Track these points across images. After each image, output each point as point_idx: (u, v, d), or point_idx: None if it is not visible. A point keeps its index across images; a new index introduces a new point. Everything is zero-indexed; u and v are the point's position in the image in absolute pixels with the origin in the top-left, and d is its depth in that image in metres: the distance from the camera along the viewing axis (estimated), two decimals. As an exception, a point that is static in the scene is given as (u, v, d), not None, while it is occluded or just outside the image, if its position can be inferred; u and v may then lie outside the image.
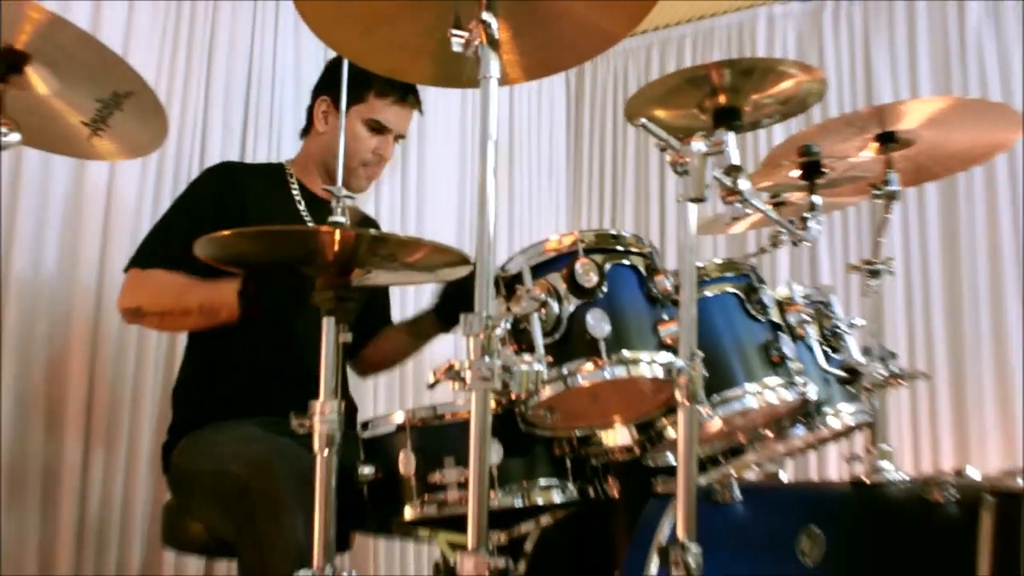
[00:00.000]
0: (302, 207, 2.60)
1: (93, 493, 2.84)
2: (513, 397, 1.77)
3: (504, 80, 1.58)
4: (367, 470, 1.99)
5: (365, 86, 2.55)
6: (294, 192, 2.62)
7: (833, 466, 3.99)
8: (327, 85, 2.66)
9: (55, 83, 1.67)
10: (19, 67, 1.61)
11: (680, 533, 1.54)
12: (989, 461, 3.67)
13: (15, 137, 1.62)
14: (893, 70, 4.10)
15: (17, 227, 2.72)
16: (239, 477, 2.07)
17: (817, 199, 2.08)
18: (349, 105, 2.54)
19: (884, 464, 2.08)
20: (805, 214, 2.04)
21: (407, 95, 2.63)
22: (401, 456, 1.94)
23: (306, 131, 2.74)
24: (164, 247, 2.42)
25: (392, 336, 2.83)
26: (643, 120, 1.59)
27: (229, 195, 2.47)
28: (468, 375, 1.37)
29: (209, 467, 2.23)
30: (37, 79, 1.65)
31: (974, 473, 1.98)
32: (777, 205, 2.32)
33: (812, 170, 2.09)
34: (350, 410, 2.24)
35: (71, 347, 2.81)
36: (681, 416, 1.56)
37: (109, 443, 2.90)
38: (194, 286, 2.32)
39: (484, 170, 1.45)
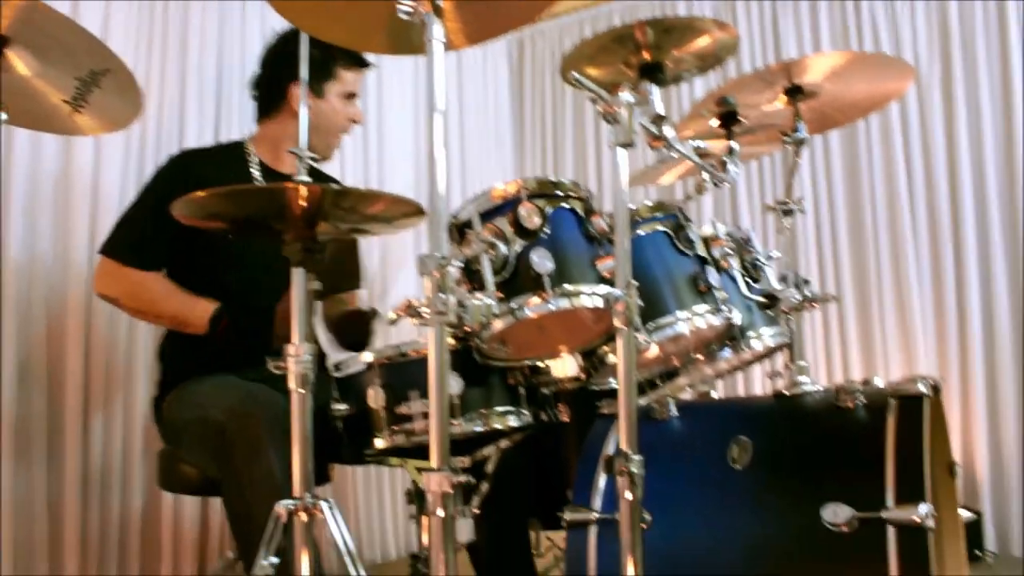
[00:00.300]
0: (258, 177, 2.54)
1: (95, 446, 2.81)
2: (468, 330, 1.75)
3: (449, 45, 1.54)
4: (341, 407, 1.97)
5: (332, 63, 2.50)
6: (252, 168, 2.54)
7: (758, 385, 4.04)
8: (295, 72, 2.55)
9: (36, 64, 1.61)
10: (0, 50, 1.55)
11: (623, 444, 1.53)
12: (892, 372, 3.74)
13: (2, 116, 1.57)
14: (798, 29, 4.11)
15: (11, 209, 2.66)
16: (217, 422, 2.05)
17: (735, 145, 2.07)
18: (323, 84, 2.50)
19: (802, 378, 2.10)
20: (724, 158, 2.02)
21: (366, 62, 2.60)
22: (370, 392, 1.93)
23: (267, 113, 2.63)
24: (138, 245, 2.38)
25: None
26: (575, 73, 1.56)
27: (192, 181, 2.38)
28: (426, 311, 1.35)
29: (193, 415, 2.20)
30: (18, 61, 1.60)
31: (879, 382, 2.00)
32: (701, 156, 2.32)
33: (729, 119, 2.09)
34: (319, 355, 2.21)
35: (67, 317, 2.76)
36: (620, 340, 1.55)
37: (107, 400, 2.86)
38: (171, 297, 2.33)
39: (431, 120, 1.42)
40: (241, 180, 2.48)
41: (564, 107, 4.92)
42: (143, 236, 2.36)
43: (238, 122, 3.37)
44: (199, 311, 2.27)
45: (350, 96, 2.56)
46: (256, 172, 2.52)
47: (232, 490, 2.01)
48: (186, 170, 2.43)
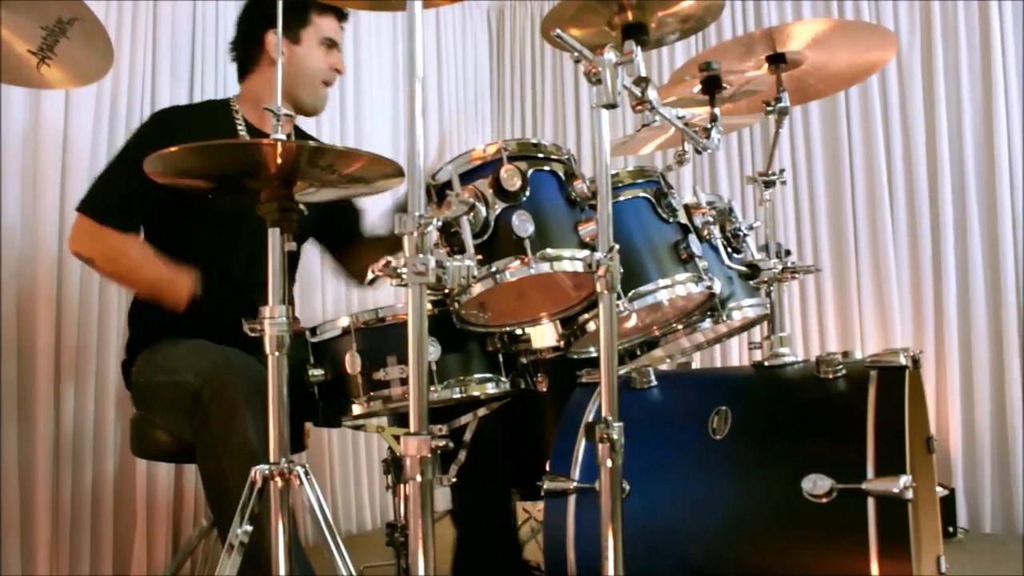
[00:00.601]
0: (244, 135, 2.48)
1: (66, 412, 2.78)
2: (446, 292, 1.72)
3: (428, 2, 1.50)
4: (317, 371, 1.93)
5: (305, 9, 2.45)
6: (239, 126, 2.49)
7: (735, 355, 4.04)
8: (268, 20, 2.49)
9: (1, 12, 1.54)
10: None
11: (604, 411, 1.50)
12: (868, 344, 3.75)
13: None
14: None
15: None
16: (192, 385, 2.00)
17: (717, 111, 2.04)
18: (298, 31, 2.45)
19: (782, 349, 2.09)
20: (707, 124, 1.99)
21: (342, 12, 2.54)
22: (347, 357, 1.89)
23: (248, 68, 2.56)
24: (118, 205, 2.29)
25: (374, 247, 2.69)
26: (558, 31, 1.52)
27: (175, 138, 2.32)
28: (404, 271, 1.32)
29: (165, 379, 2.15)
30: (-17, 9, 1.53)
31: (858, 354, 1.99)
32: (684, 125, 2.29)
33: (712, 84, 2.05)
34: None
35: (37, 280, 2.71)
36: (601, 305, 1.52)
37: (79, 366, 2.82)
38: (149, 264, 2.24)
39: (412, 80, 1.38)
40: (226, 134, 2.42)
41: (543, 72, 4.90)
42: (123, 195, 2.28)
43: (213, 79, 3.34)
44: (177, 286, 2.19)
45: (329, 44, 2.50)
46: (243, 131, 2.46)
47: (208, 456, 1.97)
48: (170, 127, 2.35)
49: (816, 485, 1.66)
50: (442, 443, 1.33)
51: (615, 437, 1.49)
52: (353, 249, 2.70)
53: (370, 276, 1.35)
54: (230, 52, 2.60)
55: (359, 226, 2.73)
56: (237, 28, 2.57)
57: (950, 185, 3.66)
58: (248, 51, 2.53)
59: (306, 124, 2.99)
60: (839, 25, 2.38)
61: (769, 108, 2.23)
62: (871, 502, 1.61)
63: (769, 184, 2.31)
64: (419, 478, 1.32)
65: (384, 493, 4.03)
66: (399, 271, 1.32)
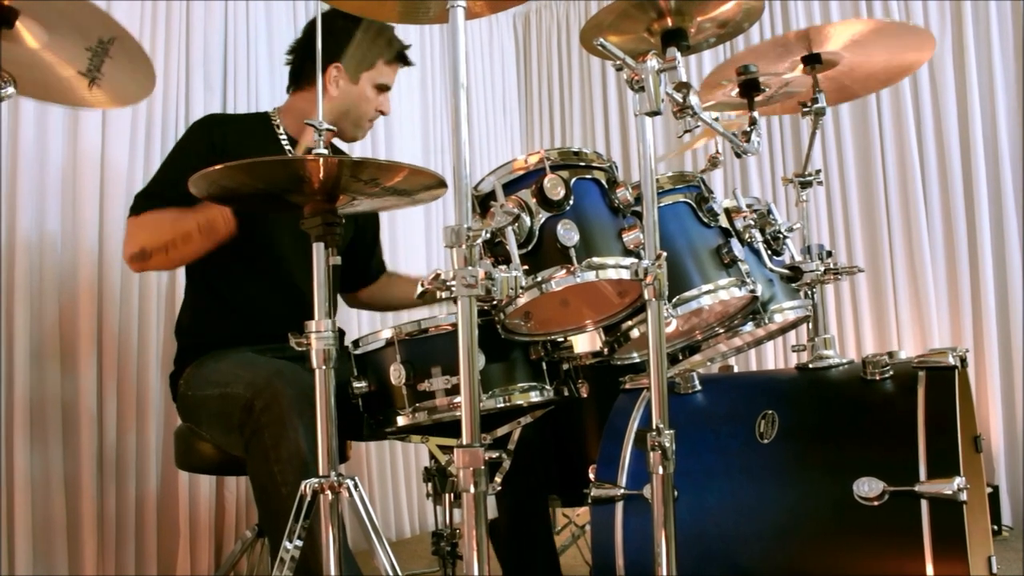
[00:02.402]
0: (288, 148, 2.49)
1: (109, 425, 2.80)
2: (492, 304, 1.71)
3: (468, 12, 1.49)
4: (360, 384, 1.93)
5: (375, 56, 2.48)
6: (281, 138, 2.50)
7: (771, 357, 4.01)
8: (336, 52, 2.46)
9: (44, 35, 1.56)
10: (10, 21, 1.50)
11: (655, 418, 1.49)
12: (906, 345, 3.71)
13: (10, 90, 1.53)
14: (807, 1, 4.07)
15: (19, 188, 2.62)
16: (242, 397, 2.00)
17: (756, 114, 2.02)
18: (360, 73, 2.47)
19: (827, 351, 2.06)
20: (747, 128, 1.97)
21: (407, 60, 2.57)
22: (391, 369, 1.88)
23: (299, 85, 2.56)
24: (158, 193, 2.29)
25: (401, 283, 2.79)
26: (601, 40, 1.51)
27: (218, 142, 2.34)
28: (454, 284, 1.31)
29: (214, 392, 2.15)
30: (27, 33, 1.55)
31: (903, 354, 1.97)
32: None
33: (751, 87, 2.03)
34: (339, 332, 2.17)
35: (79, 296, 2.74)
36: (650, 311, 1.51)
37: (121, 379, 2.84)
38: (187, 212, 2.20)
39: (456, 88, 1.37)
40: (268, 148, 2.43)
41: (571, 79, 4.89)
42: (162, 184, 2.29)
43: (245, 92, 3.35)
44: (219, 213, 2.17)
45: (383, 88, 2.53)
46: (285, 143, 2.47)
47: (260, 466, 1.96)
48: (211, 134, 2.37)
49: (868, 488, 1.64)
50: (495, 454, 1.32)
51: (667, 444, 1.47)
52: (375, 281, 2.78)
53: (419, 289, 1.35)
54: (288, 55, 2.59)
55: (378, 256, 2.79)
56: (305, 36, 2.57)
57: (985, 181, 3.61)
58: (307, 69, 2.52)
59: (338, 140, 2.99)
60: (877, 26, 2.35)
61: (806, 109, 2.21)
62: (924, 504, 1.59)
63: (806, 185, 2.29)
64: (472, 489, 1.31)
65: (423, 501, 4.03)
66: (448, 284, 1.31)
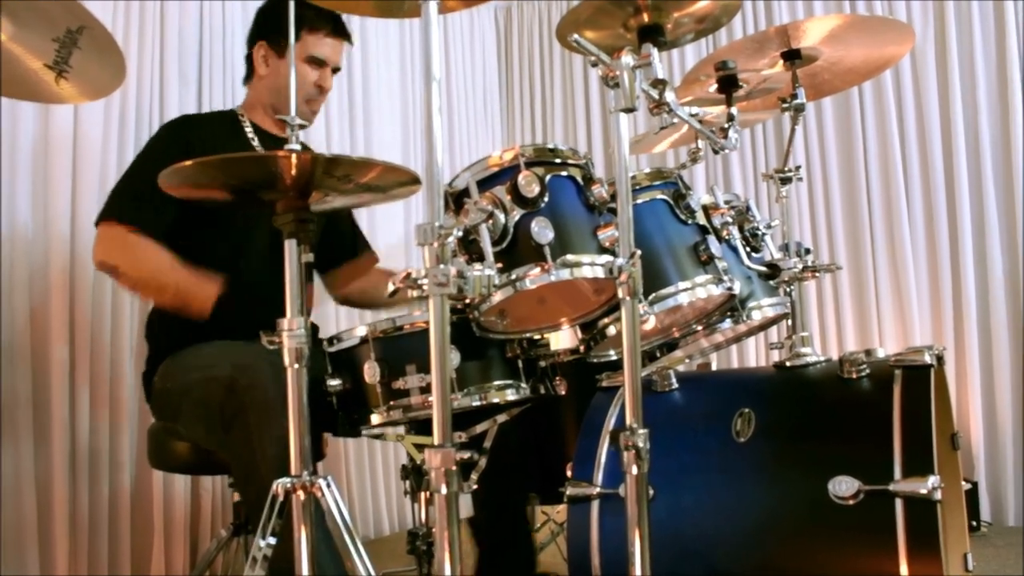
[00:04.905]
0: (256, 144, 2.48)
1: (81, 423, 2.78)
2: (467, 301, 1.71)
3: (442, 7, 1.49)
4: (335, 382, 1.92)
5: (297, 25, 2.43)
6: (248, 133, 2.50)
7: (753, 354, 4.02)
8: (261, 31, 2.51)
9: (10, 27, 1.54)
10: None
11: (629, 418, 1.49)
12: (887, 341, 3.74)
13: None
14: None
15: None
16: (227, 377, 1.99)
17: (734, 110, 2.02)
18: (285, 46, 2.44)
19: (804, 349, 2.07)
20: (725, 124, 1.97)
21: (337, 27, 2.51)
22: (366, 367, 1.88)
23: (248, 78, 2.60)
24: (137, 206, 2.26)
25: (380, 273, 2.77)
26: (576, 36, 1.51)
27: (190, 146, 2.32)
28: (425, 282, 1.31)
29: (194, 378, 2.14)
30: (-6, 25, 1.53)
31: (881, 352, 1.98)
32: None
33: (729, 83, 2.03)
34: (311, 328, 2.16)
35: (51, 293, 2.71)
36: (624, 311, 1.51)
37: (93, 378, 2.82)
38: (175, 268, 2.20)
39: (428, 84, 1.37)
40: (240, 146, 2.42)
41: (552, 73, 4.88)
42: (144, 199, 2.24)
43: (221, 85, 3.34)
44: (205, 289, 2.16)
45: (315, 61, 2.48)
46: (254, 139, 2.46)
47: (242, 445, 1.94)
48: (185, 135, 2.37)
49: (843, 487, 1.65)
50: (467, 455, 1.32)
51: (640, 445, 1.48)
52: (353, 264, 2.75)
53: (390, 288, 1.34)
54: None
55: (356, 237, 2.77)
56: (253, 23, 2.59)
57: (967, 178, 3.64)
58: (248, 59, 2.56)
59: (317, 132, 2.99)
60: (854, 20, 2.36)
61: (785, 105, 2.21)
62: (899, 503, 1.61)
63: (786, 181, 2.30)
64: (444, 490, 1.31)
65: (402, 498, 4.02)
66: (419, 282, 1.31)
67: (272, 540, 1.62)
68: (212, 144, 2.32)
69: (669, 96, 1.65)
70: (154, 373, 2.31)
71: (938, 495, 1.58)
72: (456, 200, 1.74)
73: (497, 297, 1.63)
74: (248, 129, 2.49)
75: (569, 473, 1.97)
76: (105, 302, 2.86)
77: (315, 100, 2.54)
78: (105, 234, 2.29)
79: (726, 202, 2.07)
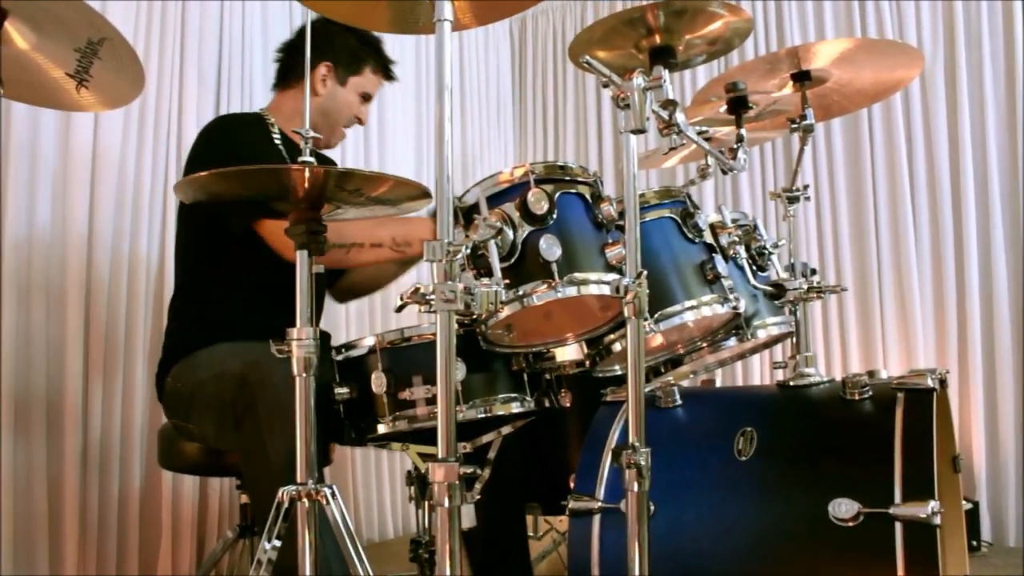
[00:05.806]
0: (283, 151, 2.49)
1: (94, 423, 2.78)
2: (474, 317, 1.71)
3: (456, 25, 1.49)
4: (342, 390, 1.92)
5: (364, 62, 2.52)
6: (276, 138, 2.50)
7: (757, 372, 4.01)
8: (331, 54, 2.49)
9: (33, 37, 1.55)
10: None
11: (631, 436, 1.49)
12: (891, 363, 3.72)
13: (-1, 90, 1.52)
14: (802, 19, 4.07)
15: (9, 183, 2.61)
16: (239, 373, 2.00)
17: (744, 131, 2.02)
18: (348, 76, 2.50)
19: (808, 369, 2.07)
20: (734, 145, 1.97)
21: (391, 74, 2.61)
22: (373, 377, 1.88)
23: (287, 85, 2.56)
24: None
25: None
26: (587, 57, 1.51)
27: (239, 144, 2.33)
28: (433, 298, 1.31)
29: (208, 374, 2.14)
30: (16, 34, 1.54)
31: (884, 374, 1.97)
32: (706, 140, 2.27)
33: (739, 104, 2.03)
34: (324, 336, 2.15)
35: (67, 293, 2.72)
36: (629, 329, 1.51)
37: (106, 377, 2.83)
38: (380, 223, 2.17)
39: (441, 101, 1.37)
40: (275, 152, 2.41)
41: (566, 89, 4.87)
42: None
43: (239, 91, 3.35)
44: (417, 231, 2.18)
45: (365, 97, 2.56)
46: (279, 143, 2.47)
47: (252, 439, 1.94)
48: (266, 129, 2.42)
49: (843, 509, 1.64)
50: (470, 469, 1.32)
51: (642, 463, 1.48)
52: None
53: (398, 303, 1.34)
54: (277, 52, 2.61)
55: None
56: (299, 35, 2.58)
57: (974, 202, 3.62)
58: (297, 67, 2.53)
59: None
60: (864, 43, 2.36)
61: (794, 125, 2.21)
62: (899, 527, 1.60)
63: (793, 200, 2.29)
64: (447, 503, 1.31)
65: (406, 503, 4.02)
66: (427, 298, 1.31)
67: (277, 544, 1.62)
68: (256, 145, 2.36)
69: (679, 117, 1.64)
70: (167, 374, 2.31)
71: (938, 520, 1.57)
72: (466, 215, 1.75)
73: (504, 312, 1.64)
74: (276, 135, 2.49)
75: (572, 485, 1.97)
76: (120, 302, 2.87)
77: (349, 127, 2.61)
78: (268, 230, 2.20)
79: (734, 221, 2.07)
